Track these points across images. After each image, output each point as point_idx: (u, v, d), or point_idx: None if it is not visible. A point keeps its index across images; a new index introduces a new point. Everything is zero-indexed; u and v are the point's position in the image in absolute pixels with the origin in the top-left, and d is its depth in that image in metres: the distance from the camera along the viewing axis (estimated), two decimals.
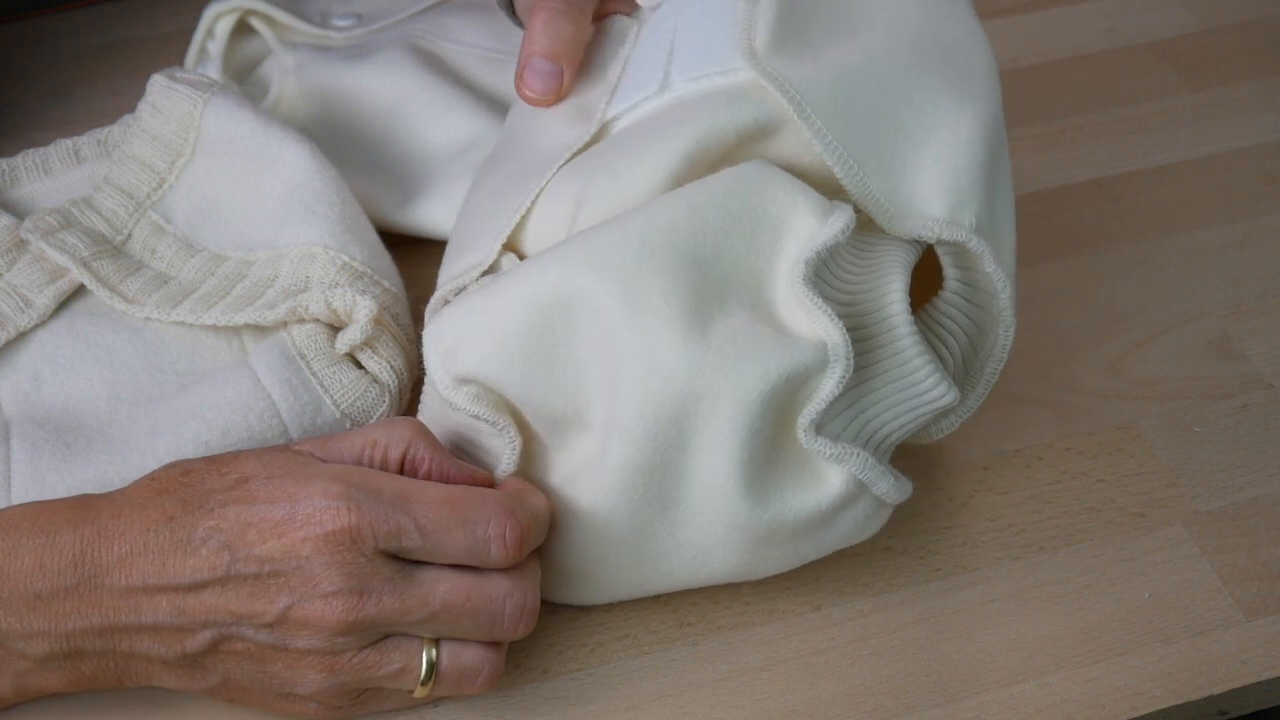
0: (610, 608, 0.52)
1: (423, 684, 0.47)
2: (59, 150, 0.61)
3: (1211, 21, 0.77)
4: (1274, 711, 0.52)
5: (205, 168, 0.59)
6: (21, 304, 0.56)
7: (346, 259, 0.56)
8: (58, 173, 0.61)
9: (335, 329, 0.56)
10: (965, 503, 0.55)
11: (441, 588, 0.46)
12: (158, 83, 0.60)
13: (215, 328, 0.56)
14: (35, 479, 0.52)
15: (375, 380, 0.55)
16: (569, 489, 0.48)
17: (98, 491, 0.48)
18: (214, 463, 0.47)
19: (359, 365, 0.56)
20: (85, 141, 0.62)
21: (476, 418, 0.48)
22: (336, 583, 0.44)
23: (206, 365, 0.56)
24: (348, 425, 0.54)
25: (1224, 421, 0.58)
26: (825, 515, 0.47)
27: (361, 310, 0.54)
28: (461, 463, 0.49)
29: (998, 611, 0.52)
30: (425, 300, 0.53)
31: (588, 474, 0.47)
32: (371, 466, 0.48)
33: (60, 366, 0.55)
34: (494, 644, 0.48)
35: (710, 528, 0.47)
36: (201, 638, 0.45)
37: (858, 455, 0.47)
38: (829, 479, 0.47)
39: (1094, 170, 0.69)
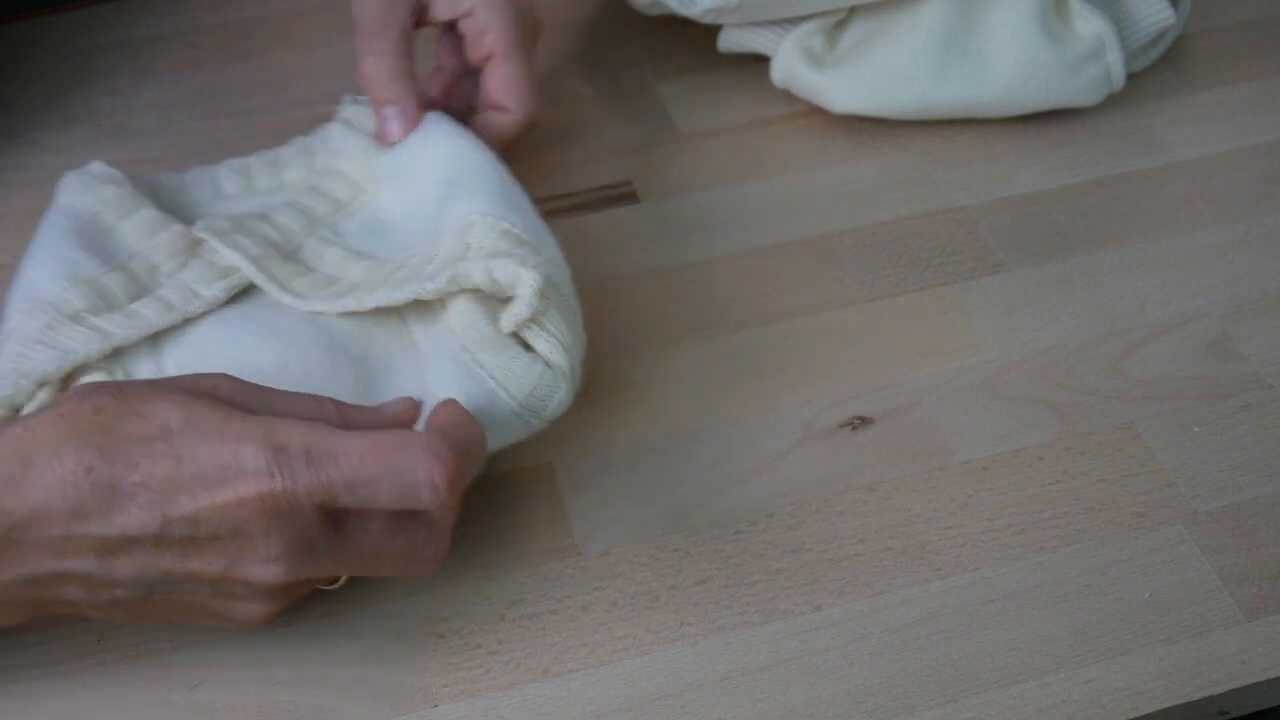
0: (610, 607, 0.52)
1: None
2: (229, 170, 0.63)
3: (1211, 21, 0.77)
4: (1274, 711, 0.52)
5: (389, 199, 0.61)
6: (191, 295, 0.56)
7: (507, 225, 0.54)
8: (233, 198, 0.62)
9: (492, 307, 0.54)
10: (965, 503, 0.55)
11: (370, 542, 0.47)
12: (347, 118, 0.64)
13: (382, 319, 0.55)
14: None
15: (547, 363, 0.52)
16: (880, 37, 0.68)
17: None
18: (126, 399, 0.45)
19: (525, 346, 0.53)
20: (255, 163, 0.63)
21: None
22: (275, 547, 0.45)
23: (379, 356, 0.55)
24: (525, 415, 0.52)
25: (1224, 421, 0.58)
26: (1076, 62, 0.68)
27: (526, 284, 0.51)
28: (363, 407, 0.50)
29: (998, 611, 0.52)
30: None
31: (895, 32, 0.68)
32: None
33: (227, 345, 0.54)
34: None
35: (1003, 59, 0.67)
36: (134, 589, 0.45)
37: (1105, 20, 0.68)
38: (1083, 36, 0.68)
39: (1094, 170, 0.69)
